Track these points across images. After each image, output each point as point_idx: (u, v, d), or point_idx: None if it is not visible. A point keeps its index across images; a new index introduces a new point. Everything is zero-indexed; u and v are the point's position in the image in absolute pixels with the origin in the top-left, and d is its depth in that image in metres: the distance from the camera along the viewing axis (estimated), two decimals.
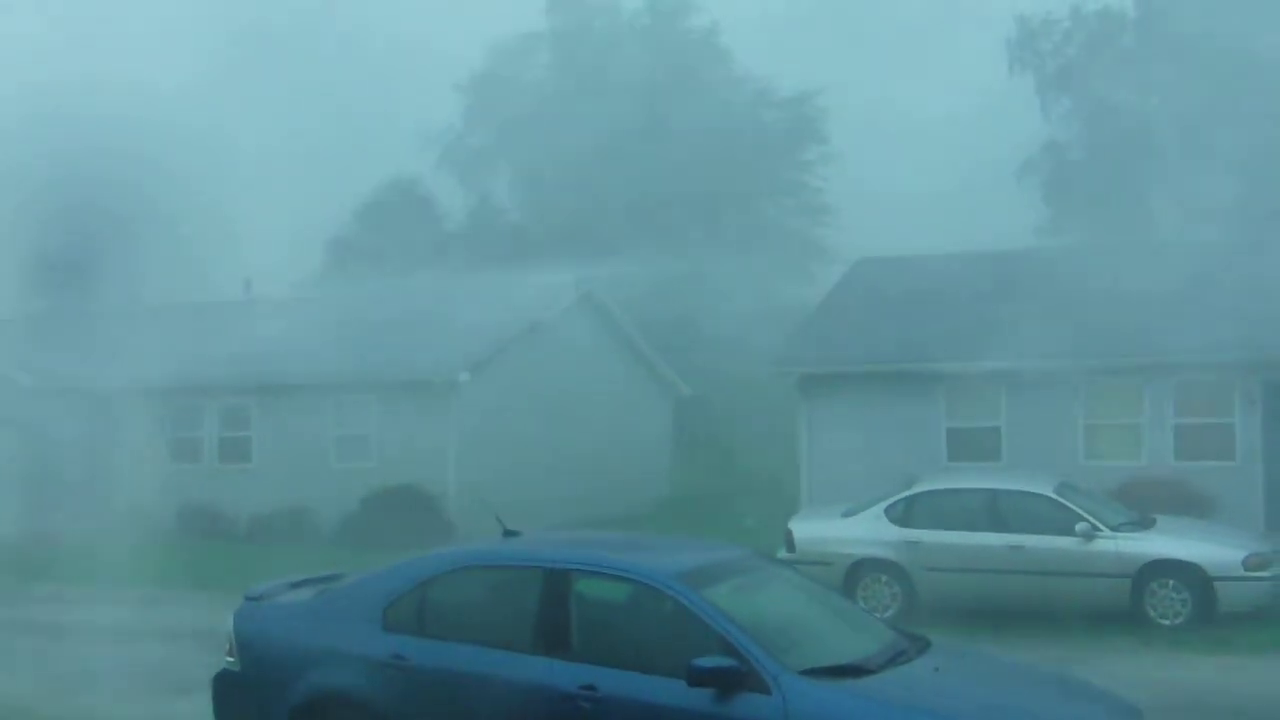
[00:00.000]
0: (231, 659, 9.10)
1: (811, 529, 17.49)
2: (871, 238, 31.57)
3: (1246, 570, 15.58)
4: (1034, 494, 16.61)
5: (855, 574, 16.55)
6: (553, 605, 8.23)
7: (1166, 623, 15.48)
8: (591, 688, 7.80)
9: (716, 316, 32.76)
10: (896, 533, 16.70)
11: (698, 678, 7.45)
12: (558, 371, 27.00)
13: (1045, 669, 9.32)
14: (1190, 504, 19.71)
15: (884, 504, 17.10)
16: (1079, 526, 15.96)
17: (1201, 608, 15.45)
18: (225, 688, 9.12)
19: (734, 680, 7.47)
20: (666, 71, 43.73)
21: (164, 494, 26.52)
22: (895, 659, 8.13)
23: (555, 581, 8.31)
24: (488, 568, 9.02)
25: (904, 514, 16.88)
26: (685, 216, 39.63)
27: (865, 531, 16.88)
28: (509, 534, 9.48)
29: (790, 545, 17.05)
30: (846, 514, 17.41)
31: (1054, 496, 16.43)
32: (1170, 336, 21.78)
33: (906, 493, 17.19)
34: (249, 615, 9.24)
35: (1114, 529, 16.08)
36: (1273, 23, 38.46)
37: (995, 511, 16.56)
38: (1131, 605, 15.59)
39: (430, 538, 19.50)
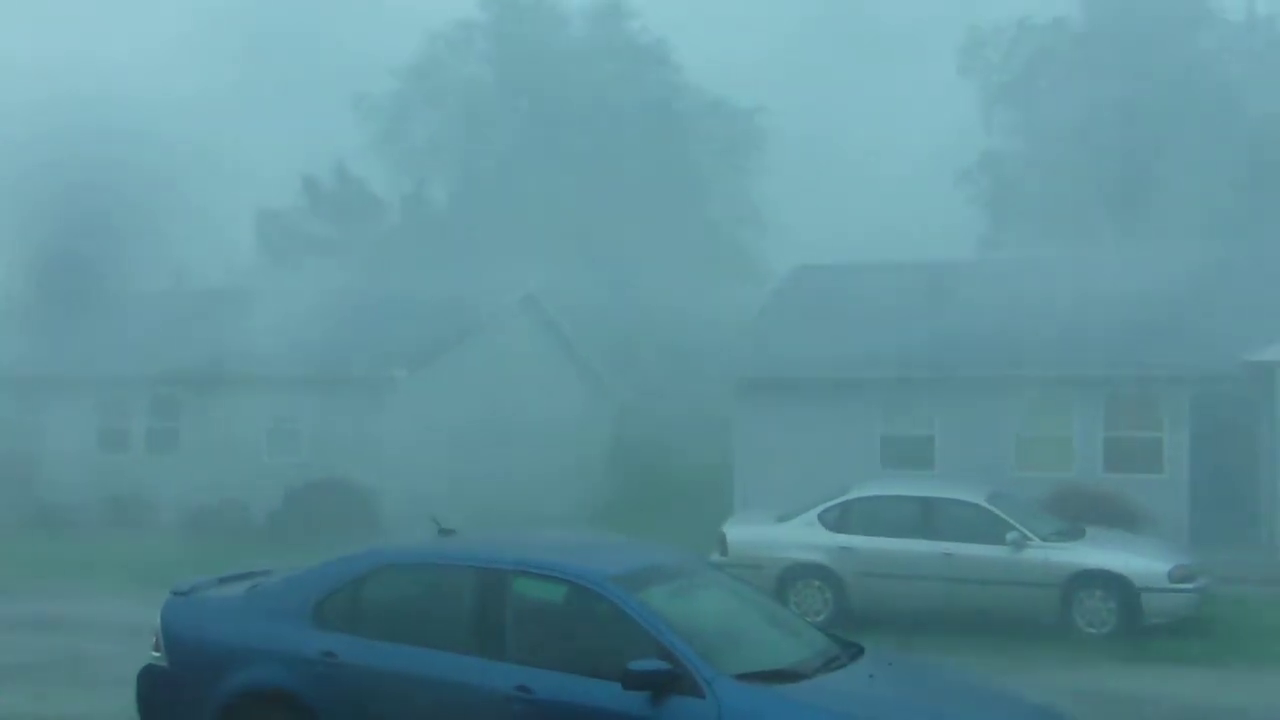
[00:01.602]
0: (158, 654, 8.94)
1: (745, 533, 17.51)
2: (812, 245, 31.76)
3: (1172, 581, 15.79)
4: (966, 502, 16.73)
5: (787, 578, 16.57)
6: (488, 605, 8.16)
7: (1093, 632, 15.65)
8: (526, 689, 7.75)
9: (656, 321, 32.83)
10: (830, 538, 16.75)
11: (632, 680, 7.41)
12: (496, 372, 26.90)
13: (976, 677, 9.36)
14: (1118, 515, 19.96)
15: (818, 509, 17.15)
16: (1010, 536, 16.09)
17: (1128, 618, 15.63)
18: (151, 684, 8.95)
19: (668, 683, 7.44)
20: (609, 76, 43.67)
21: (89, 484, 26.14)
22: (829, 665, 8.13)
23: (490, 581, 8.24)
24: (423, 566, 8.92)
25: (838, 520, 16.94)
26: (626, 222, 39.58)
27: (799, 536, 16.91)
28: (444, 532, 9.40)
29: (723, 549, 17.06)
30: (780, 519, 17.44)
31: (986, 505, 16.56)
32: (1101, 350, 22.11)
33: (840, 499, 17.25)
34: (177, 610, 9.09)
35: (1044, 539, 16.23)
36: (1214, 39, 39.09)
37: (928, 519, 16.66)
38: (1060, 614, 15.74)
39: (362, 534, 19.35)
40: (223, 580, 9.49)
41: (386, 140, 45.81)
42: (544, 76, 43.13)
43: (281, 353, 26.07)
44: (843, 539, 16.71)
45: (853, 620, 15.21)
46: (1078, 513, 18.83)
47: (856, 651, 8.51)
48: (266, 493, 24.59)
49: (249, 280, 37.43)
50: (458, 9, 44.73)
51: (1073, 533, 16.83)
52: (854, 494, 17.37)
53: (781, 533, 17.13)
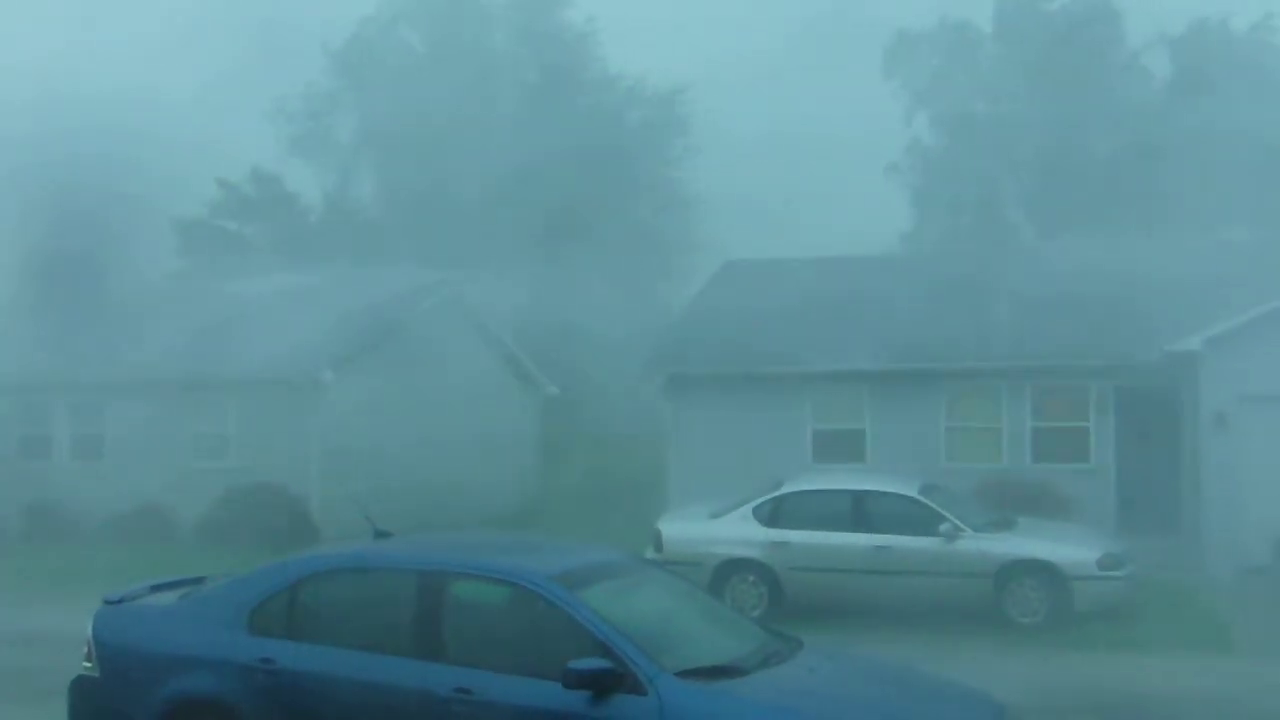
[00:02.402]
0: (89, 665, 8.80)
1: (680, 529, 17.54)
2: (741, 237, 31.87)
3: (1100, 570, 16.04)
4: (899, 495, 16.87)
5: (723, 574, 16.62)
6: (426, 608, 8.11)
7: (1025, 621, 15.85)
8: (466, 691, 7.71)
9: (585, 315, 32.78)
10: (764, 533, 16.83)
11: (574, 680, 7.40)
12: (425, 371, 26.69)
13: (913, 668, 9.43)
14: (1047, 505, 20.22)
15: (752, 504, 17.22)
16: (943, 527, 16.24)
17: (1058, 606, 15.84)
18: (83, 695, 8.82)
19: (610, 682, 7.44)
20: (536, 65, 43.53)
21: (11, 492, 25.67)
22: (769, 660, 8.17)
23: (429, 584, 8.19)
24: (359, 570, 8.85)
25: (771, 514, 17.02)
26: (553, 214, 39.48)
27: (733, 532, 16.97)
28: (380, 535, 9.33)
29: (658, 545, 17.09)
30: (714, 514, 17.48)
31: (918, 498, 16.71)
32: (1029, 342, 22.37)
33: (774, 493, 17.33)
34: (108, 619, 8.95)
35: (976, 529, 16.40)
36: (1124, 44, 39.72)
37: (861, 512, 16.79)
38: (992, 604, 15.92)
39: (292, 539, 19.20)
40: (155, 588, 9.36)
41: (309, 139, 45.37)
42: (470, 67, 42.86)
43: (207, 355, 25.76)
44: (777, 534, 16.79)
45: (788, 614, 15.27)
46: (1008, 503, 19.06)
47: (795, 646, 8.56)
48: (195, 498, 24.27)
49: (173, 283, 36.98)
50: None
51: (1004, 523, 17.02)
52: (787, 488, 17.46)
53: (716, 528, 17.18)
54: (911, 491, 16.88)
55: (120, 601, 9.10)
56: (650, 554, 16.58)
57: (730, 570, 16.68)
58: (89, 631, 8.89)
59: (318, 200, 44.65)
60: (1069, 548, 16.36)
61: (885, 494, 17.04)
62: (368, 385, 25.44)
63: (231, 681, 8.29)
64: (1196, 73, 38.90)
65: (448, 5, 45.10)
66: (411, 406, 26.06)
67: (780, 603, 16.31)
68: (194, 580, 9.51)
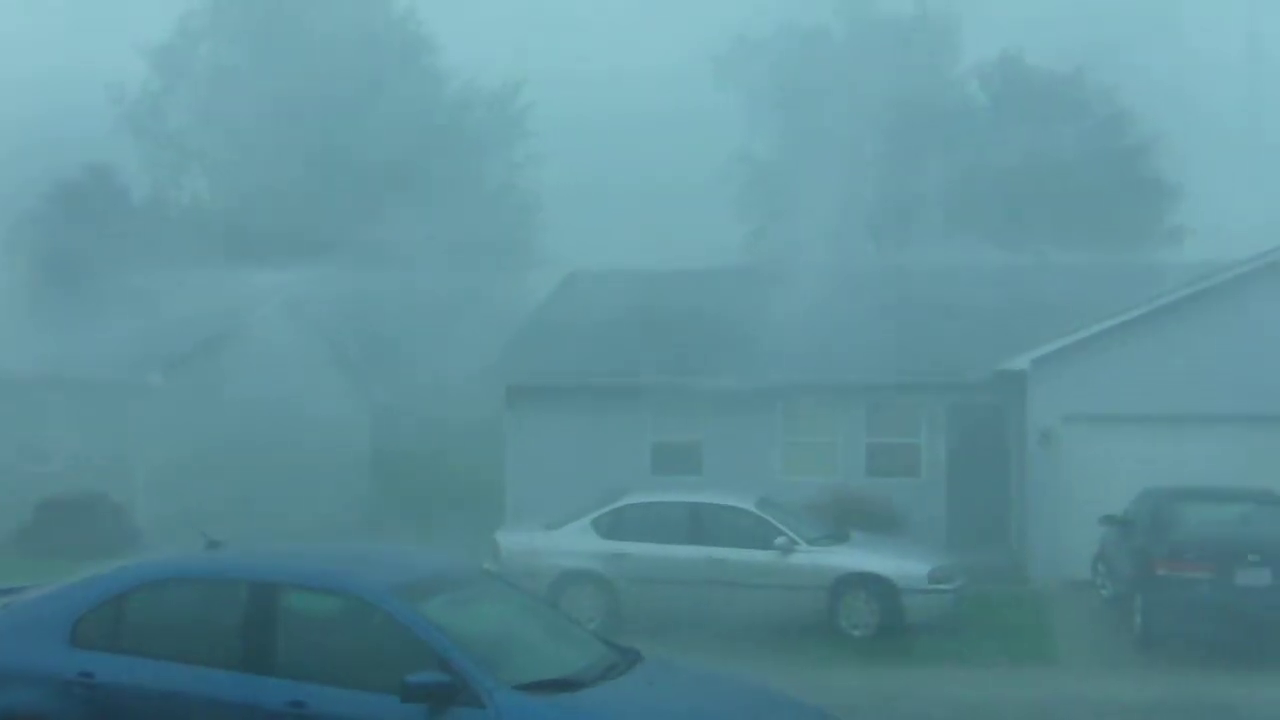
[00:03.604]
0: None
1: (518, 541, 17.44)
2: (583, 246, 31.86)
3: (931, 583, 16.36)
4: (736, 508, 17.03)
5: (560, 586, 16.54)
6: (258, 620, 7.90)
7: (858, 633, 16.10)
8: (299, 705, 7.53)
9: (425, 323, 32.41)
10: (602, 545, 16.82)
11: (410, 693, 7.28)
12: (256, 376, 26.10)
13: (749, 680, 9.49)
14: (880, 519, 20.58)
15: (590, 516, 17.22)
16: (778, 540, 16.42)
17: (890, 619, 16.13)
18: None
19: (447, 695, 7.34)
20: (368, 60, 42.81)
21: None
22: (608, 673, 8.14)
23: (261, 595, 7.98)
24: (189, 580, 8.57)
25: (610, 526, 17.04)
26: (391, 217, 38.91)
27: (571, 543, 16.94)
28: (212, 545, 9.07)
29: (496, 557, 16.95)
30: (553, 526, 17.43)
31: (755, 511, 16.88)
32: (864, 358, 22.76)
33: (612, 505, 17.36)
34: None
35: (811, 543, 16.62)
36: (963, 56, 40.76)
37: (699, 525, 16.90)
38: (826, 616, 16.14)
39: (116, 547, 18.63)
40: None
41: (137, 134, 43.95)
42: (302, 62, 41.91)
43: (25, 354, 24.83)
44: (615, 545, 16.80)
45: (626, 626, 15.27)
46: (842, 517, 19.35)
47: (634, 658, 8.55)
48: (16, 505, 23.36)
49: None
50: None
51: (837, 536, 17.29)
52: (626, 500, 17.50)
53: (554, 540, 17.12)
54: (748, 505, 17.05)
55: None
56: (488, 565, 16.43)
57: (568, 582, 16.62)
58: None
59: (148, 197, 43.31)
60: (901, 561, 16.66)
61: (722, 507, 17.19)
62: (199, 389, 24.83)
63: (50, 696, 7.96)
64: (1012, 100, 40.11)
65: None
66: (244, 412, 25.46)
67: (618, 615, 16.30)
68: (12, 590, 9.12)
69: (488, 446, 25.72)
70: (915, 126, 37.80)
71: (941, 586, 16.41)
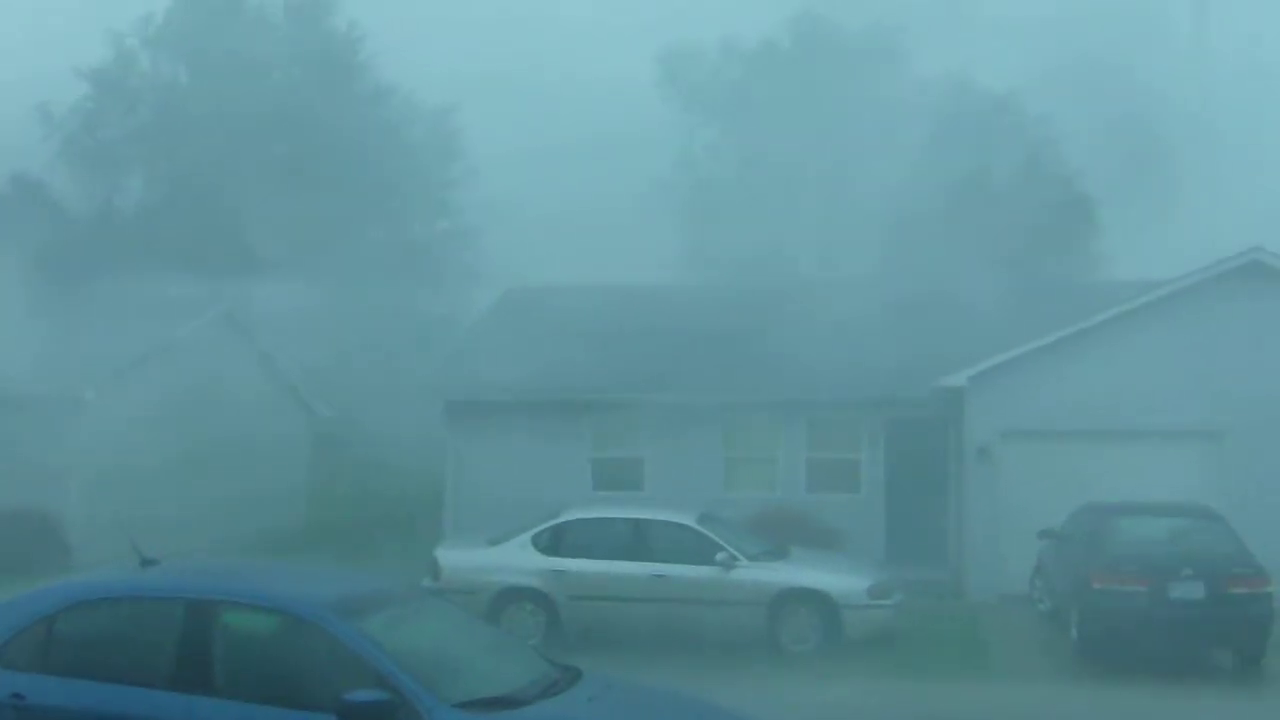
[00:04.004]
0: None
1: (458, 557, 17.34)
2: (521, 262, 31.80)
3: (870, 598, 16.45)
4: (677, 524, 17.02)
5: (500, 602, 16.48)
6: (195, 639, 7.78)
7: (798, 648, 16.14)
8: None
9: (364, 340, 32.27)
10: (542, 561, 16.76)
11: (349, 712, 7.20)
12: (194, 391, 25.82)
13: (690, 696, 9.48)
14: (820, 534, 20.66)
15: (530, 533, 17.15)
16: (719, 556, 16.44)
17: (829, 634, 16.19)
18: None
19: (386, 714, 7.26)
20: (307, 78, 42.59)
21: None
22: (548, 690, 8.10)
23: (198, 614, 7.87)
24: (123, 599, 8.43)
25: (550, 543, 16.98)
26: (329, 233, 38.65)
27: (511, 560, 16.86)
28: (147, 563, 8.93)
29: (436, 574, 16.86)
30: (493, 542, 17.35)
31: (696, 527, 16.88)
32: (804, 374, 22.84)
33: (552, 522, 17.30)
34: None
35: (751, 559, 16.65)
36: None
37: (640, 541, 16.89)
38: (766, 632, 16.17)
39: (49, 566, 18.34)
40: None
41: (73, 148, 43.41)
42: (240, 78, 41.58)
43: None
44: (555, 562, 16.75)
45: (566, 643, 15.22)
46: (782, 532, 19.38)
47: (574, 676, 8.51)
48: None
49: None
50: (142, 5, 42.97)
51: (778, 552, 17.32)
52: (566, 517, 17.45)
53: (494, 557, 17.04)
54: (689, 521, 17.05)
55: None
56: (427, 582, 16.38)
57: (508, 599, 16.56)
58: None
59: (83, 210, 42.77)
60: (840, 577, 16.73)
61: (663, 523, 17.18)
62: (135, 405, 24.50)
63: None
64: (955, 118, 40.53)
65: (208, 17, 43.57)
66: (181, 428, 25.17)
67: (558, 631, 16.25)
68: None
69: (428, 463, 25.59)
70: (859, 143, 38.04)
71: (880, 602, 16.50)
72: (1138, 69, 39.52)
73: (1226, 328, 19.85)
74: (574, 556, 16.81)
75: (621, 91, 41.63)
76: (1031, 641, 17.50)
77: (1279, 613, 15.41)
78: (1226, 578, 15.36)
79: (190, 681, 7.66)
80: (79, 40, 40.55)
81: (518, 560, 16.83)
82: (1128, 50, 39.65)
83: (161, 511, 22.53)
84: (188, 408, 25.48)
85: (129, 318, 26.69)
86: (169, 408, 25.06)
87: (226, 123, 39.81)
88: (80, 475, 23.84)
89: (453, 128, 44.99)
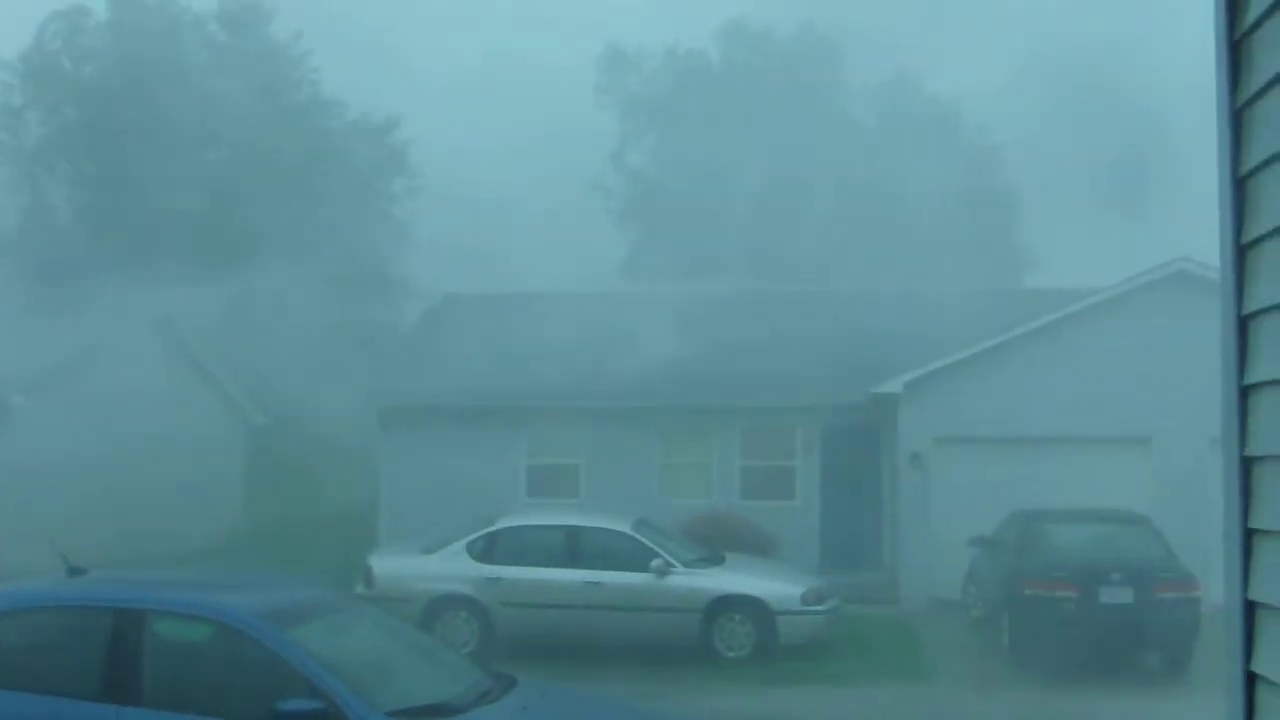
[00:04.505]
0: None
1: (391, 565, 17.22)
2: (459, 272, 31.69)
3: (804, 604, 16.50)
4: (612, 531, 17.01)
5: (434, 610, 16.37)
6: (123, 649, 7.68)
7: (732, 655, 16.15)
8: None
9: (300, 346, 31.96)
10: (477, 569, 16.68)
11: None
12: (125, 397, 25.49)
13: (625, 703, 9.49)
14: (755, 541, 20.71)
15: (465, 540, 17.06)
16: (654, 563, 16.43)
17: (764, 640, 16.22)
18: None
19: None
20: (241, 85, 42.19)
21: None
22: (482, 698, 8.09)
23: (127, 623, 7.77)
24: (50, 609, 8.31)
25: (485, 550, 16.90)
26: (267, 241, 38.33)
27: (445, 567, 16.77)
28: (74, 572, 8.81)
29: (369, 581, 16.74)
30: (427, 550, 17.24)
31: (631, 533, 16.88)
32: (739, 381, 22.92)
33: (487, 529, 17.22)
34: None
35: (686, 565, 16.66)
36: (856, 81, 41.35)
37: (575, 548, 16.85)
38: (701, 639, 16.18)
39: None
40: None
41: None
42: (173, 82, 41.11)
43: None
44: (489, 569, 16.67)
45: (501, 651, 15.16)
46: (717, 539, 19.44)
47: (509, 683, 8.49)
48: None
49: None
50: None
51: (713, 559, 17.35)
52: (500, 524, 17.37)
53: (428, 564, 16.94)
54: (624, 527, 17.04)
55: None
56: (361, 590, 16.26)
57: (442, 606, 16.46)
58: None
59: (8, 213, 42.10)
60: (774, 583, 16.78)
61: (598, 530, 17.16)
62: (65, 411, 24.15)
63: None
64: (896, 126, 40.92)
65: (138, 18, 43.00)
66: (112, 435, 24.84)
67: (493, 639, 16.17)
68: None
69: (363, 470, 25.42)
70: (795, 149, 38.26)
71: (815, 608, 16.56)
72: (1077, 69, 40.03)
73: (1154, 336, 20.12)
74: (508, 564, 16.73)
75: (560, 96, 41.68)
76: (964, 647, 17.64)
77: (1206, 617, 15.64)
78: (1155, 583, 15.56)
79: (119, 692, 7.55)
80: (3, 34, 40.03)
81: (452, 568, 16.74)
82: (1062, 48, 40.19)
83: (91, 520, 22.22)
84: (119, 414, 25.16)
85: (58, 322, 26.31)
86: (99, 414, 24.73)
87: (157, 128, 39.34)
88: (8, 482, 23.45)
89: (396, 145, 44.78)
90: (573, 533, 17.13)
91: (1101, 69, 39.20)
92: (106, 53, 43.13)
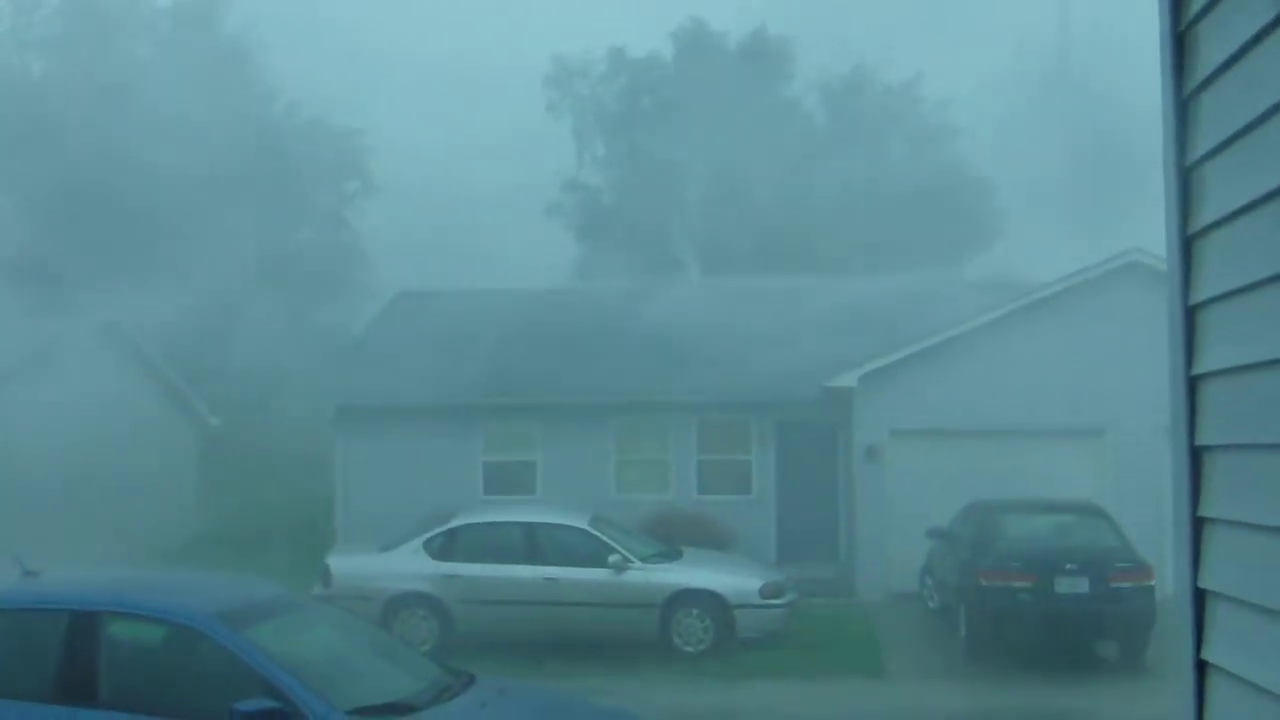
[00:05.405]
0: None
1: (349, 564, 17.17)
2: (410, 270, 31.60)
3: (762, 598, 16.57)
4: (569, 527, 17.04)
5: (393, 609, 16.34)
6: (78, 650, 7.64)
7: (690, 649, 16.20)
8: None
9: (253, 347, 31.77)
10: (434, 567, 16.66)
11: None
12: (76, 401, 25.24)
13: (583, 699, 9.50)
14: (712, 536, 20.77)
15: (422, 538, 17.04)
16: (612, 559, 16.47)
17: (722, 634, 16.28)
18: None
19: None
20: (193, 82, 41.81)
21: None
22: (441, 696, 8.10)
23: (82, 625, 7.72)
24: (4, 610, 8.26)
25: (442, 548, 16.88)
26: (222, 244, 38.04)
27: (403, 566, 16.74)
28: (28, 574, 8.74)
29: (327, 580, 16.68)
30: (384, 548, 17.21)
31: (588, 529, 16.90)
32: (694, 377, 22.96)
33: (444, 527, 17.19)
34: None
35: (644, 561, 16.69)
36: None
37: (532, 545, 16.85)
38: (659, 633, 16.22)
39: None
40: None
41: None
42: (124, 78, 40.69)
43: None
44: (447, 567, 16.65)
45: (459, 648, 15.13)
46: (675, 534, 19.46)
47: (468, 680, 8.51)
48: None
49: None
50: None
51: (671, 554, 17.38)
52: (458, 521, 17.35)
53: (385, 562, 16.90)
54: (582, 524, 17.06)
55: None
56: (318, 589, 16.20)
57: (400, 604, 16.43)
58: None
59: None
60: (732, 578, 16.84)
61: (556, 526, 17.18)
62: (15, 416, 23.89)
63: None
64: (851, 121, 41.10)
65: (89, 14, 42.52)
66: (64, 439, 24.58)
67: (451, 637, 16.15)
68: None
69: (318, 469, 25.30)
70: (748, 146, 38.36)
71: (773, 601, 16.63)
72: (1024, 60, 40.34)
73: (1107, 327, 20.26)
74: (466, 561, 16.71)
75: (511, 99, 41.62)
76: (921, 638, 17.75)
77: (1162, 606, 15.79)
78: (1110, 572, 15.70)
79: (75, 693, 7.52)
80: None
81: (409, 566, 16.71)
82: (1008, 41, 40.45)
83: (43, 522, 22.00)
84: (68, 417, 24.91)
85: (6, 326, 26.02)
86: (48, 417, 24.47)
87: (105, 126, 38.93)
88: None
89: (355, 150, 44.53)
90: (530, 529, 17.13)
91: (1059, 58, 39.66)
92: (55, 43, 42.70)
